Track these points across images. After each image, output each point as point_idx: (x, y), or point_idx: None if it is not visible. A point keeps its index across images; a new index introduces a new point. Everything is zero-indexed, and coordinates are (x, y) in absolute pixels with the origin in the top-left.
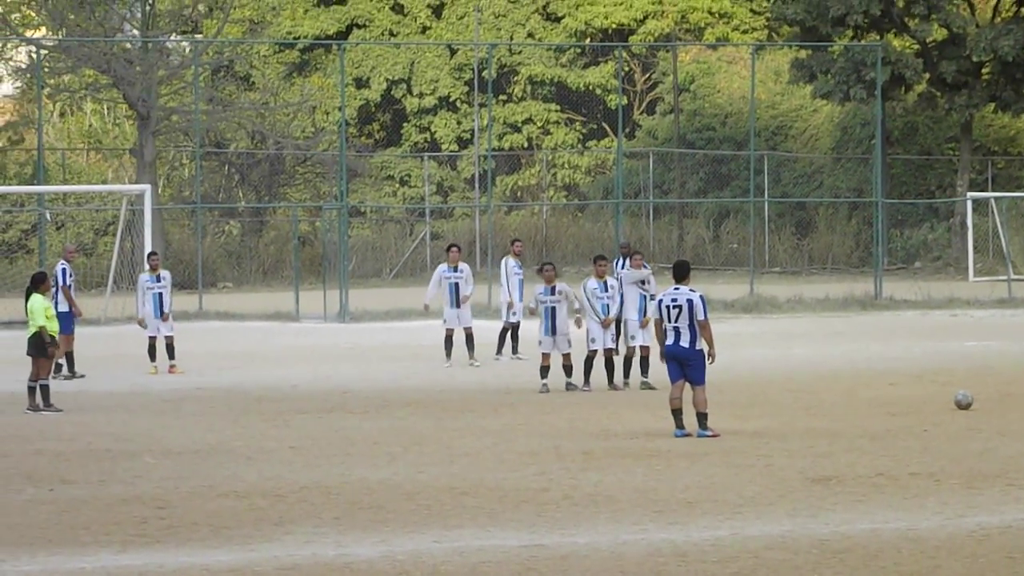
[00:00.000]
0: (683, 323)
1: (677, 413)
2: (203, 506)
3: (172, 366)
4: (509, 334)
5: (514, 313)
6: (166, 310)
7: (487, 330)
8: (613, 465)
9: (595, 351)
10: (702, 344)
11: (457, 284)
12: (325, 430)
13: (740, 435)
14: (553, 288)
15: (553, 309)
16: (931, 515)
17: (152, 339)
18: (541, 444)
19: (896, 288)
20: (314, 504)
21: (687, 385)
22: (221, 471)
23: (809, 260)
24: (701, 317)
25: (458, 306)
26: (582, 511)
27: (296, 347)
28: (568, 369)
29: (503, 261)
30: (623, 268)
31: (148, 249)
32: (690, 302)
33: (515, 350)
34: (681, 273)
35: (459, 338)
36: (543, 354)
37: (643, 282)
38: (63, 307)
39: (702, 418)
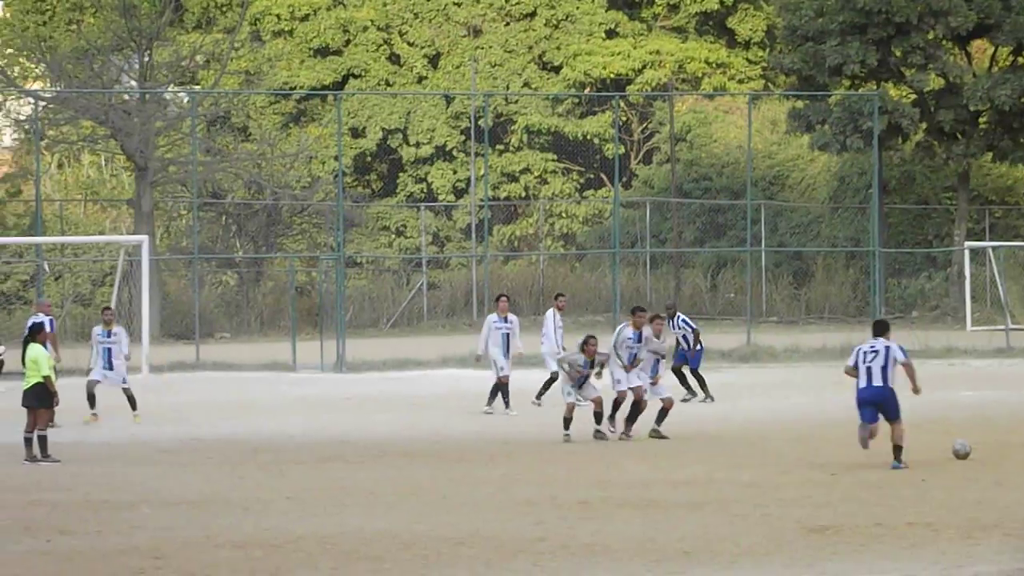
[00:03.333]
0: (876, 364)
1: (864, 442)
2: (200, 557)
3: (135, 416)
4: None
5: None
6: (116, 363)
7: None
8: (610, 515)
9: (623, 392)
10: (893, 383)
11: (508, 334)
12: (322, 480)
13: (737, 485)
14: (592, 362)
15: (587, 376)
16: (929, 565)
17: (94, 384)
18: (538, 494)
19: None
20: (311, 554)
21: (884, 422)
22: (218, 522)
23: (806, 309)
24: (902, 358)
25: (508, 356)
26: (579, 561)
27: (293, 397)
28: (599, 416)
29: (549, 313)
30: (674, 327)
31: (146, 300)
32: (888, 348)
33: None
34: (880, 329)
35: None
36: (568, 404)
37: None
38: None
39: (897, 450)
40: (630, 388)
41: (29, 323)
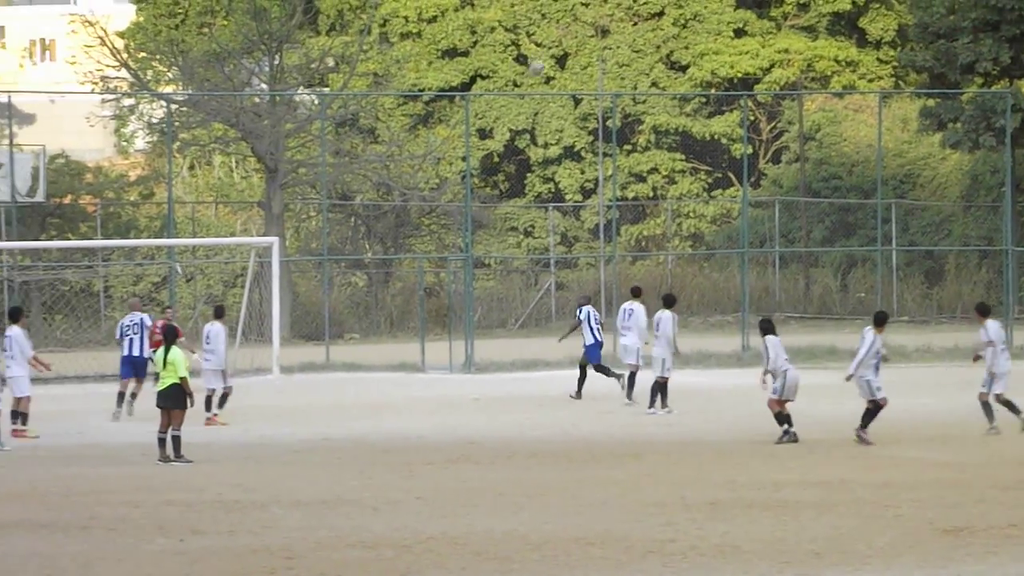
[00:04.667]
0: None
1: None
2: (331, 556)
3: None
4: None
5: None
6: None
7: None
8: (740, 515)
9: (885, 399)
10: None
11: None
12: (451, 480)
13: (869, 486)
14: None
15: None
16: None
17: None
18: (667, 494)
19: None
20: (440, 555)
21: None
22: (348, 522)
23: (938, 309)
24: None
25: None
26: (709, 562)
27: (422, 398)
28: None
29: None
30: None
31: (277, 301)
32: None
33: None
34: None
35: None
36: (771, 400)
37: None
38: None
39: None
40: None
41: (130, 322)
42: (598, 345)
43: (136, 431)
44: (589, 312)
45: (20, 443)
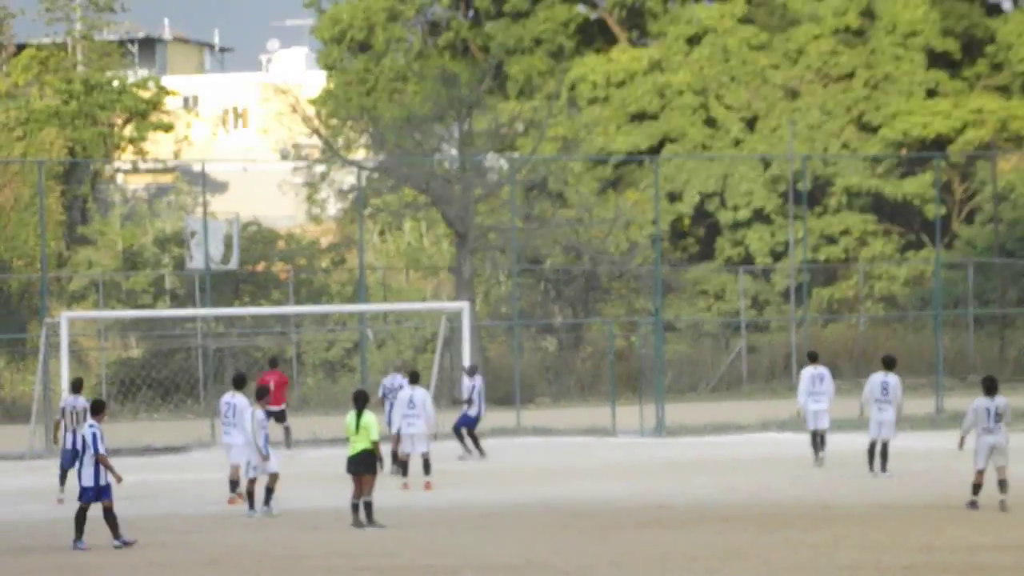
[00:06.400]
0: None
1: None
2: None
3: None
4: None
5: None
6: None
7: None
8: None
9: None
10: None
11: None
12: (643, 545)
13: None
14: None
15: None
16: None
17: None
18: (862, 558)
19: None
20: None
21: None
22: None
23: None
24: None
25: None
26: None
27: (613, 462)
28: (1003, 484)
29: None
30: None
31: (468, 362)
32: None
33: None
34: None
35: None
36: (978, 471)
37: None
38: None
39: None
40: None
41: (391, 384)
42: (476, 419)
43: (326, 495)
44: (475, 385)
45: (232, 508)
